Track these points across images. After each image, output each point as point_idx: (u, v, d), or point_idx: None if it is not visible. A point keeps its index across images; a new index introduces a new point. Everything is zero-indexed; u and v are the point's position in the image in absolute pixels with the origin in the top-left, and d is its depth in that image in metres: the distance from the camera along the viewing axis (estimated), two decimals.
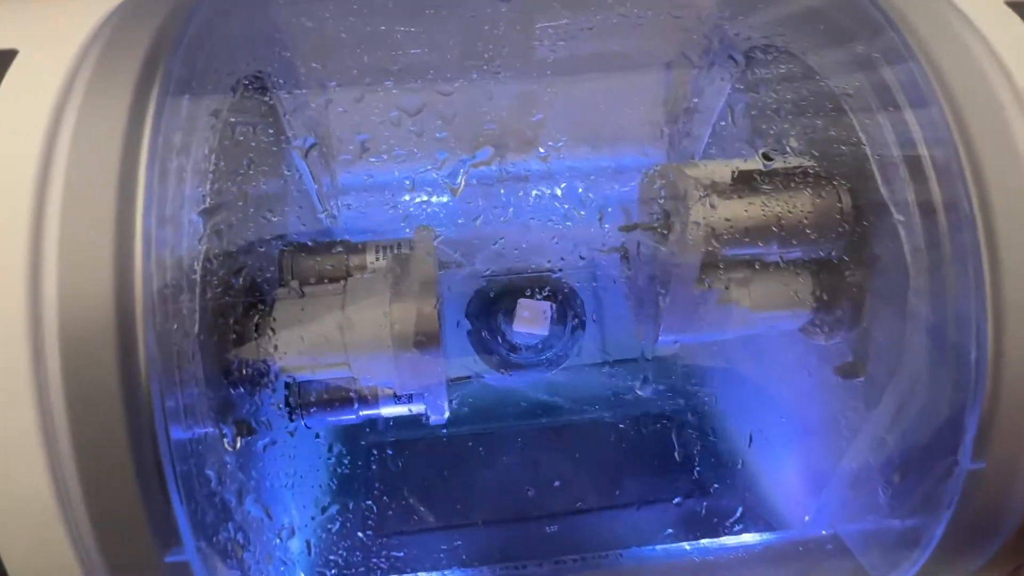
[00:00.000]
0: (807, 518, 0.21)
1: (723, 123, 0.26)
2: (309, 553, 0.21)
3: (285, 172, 0.22)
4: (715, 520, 0.22)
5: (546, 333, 0.23)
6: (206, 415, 0.14)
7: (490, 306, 0.26)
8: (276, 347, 0.18)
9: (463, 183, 0.23)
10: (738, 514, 0.22)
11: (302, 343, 0.18)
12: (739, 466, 0.25)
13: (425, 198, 0.25)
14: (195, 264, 0.13)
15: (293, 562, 0.20)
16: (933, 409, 0.16)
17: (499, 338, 0.25)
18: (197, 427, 0.13)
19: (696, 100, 0.27)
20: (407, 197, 0.25)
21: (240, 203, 0.17)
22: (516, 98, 0.27)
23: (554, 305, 0.23)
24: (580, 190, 0.26)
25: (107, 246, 0.11)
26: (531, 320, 0.23)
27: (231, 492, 0.16)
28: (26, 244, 0.11)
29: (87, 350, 0.11)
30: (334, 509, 0.25)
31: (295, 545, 0.20)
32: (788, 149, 0.20)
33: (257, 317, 0.18)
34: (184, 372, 0.13)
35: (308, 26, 0.23)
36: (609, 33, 0.26)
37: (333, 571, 0.21)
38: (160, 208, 0.12)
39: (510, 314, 0.25)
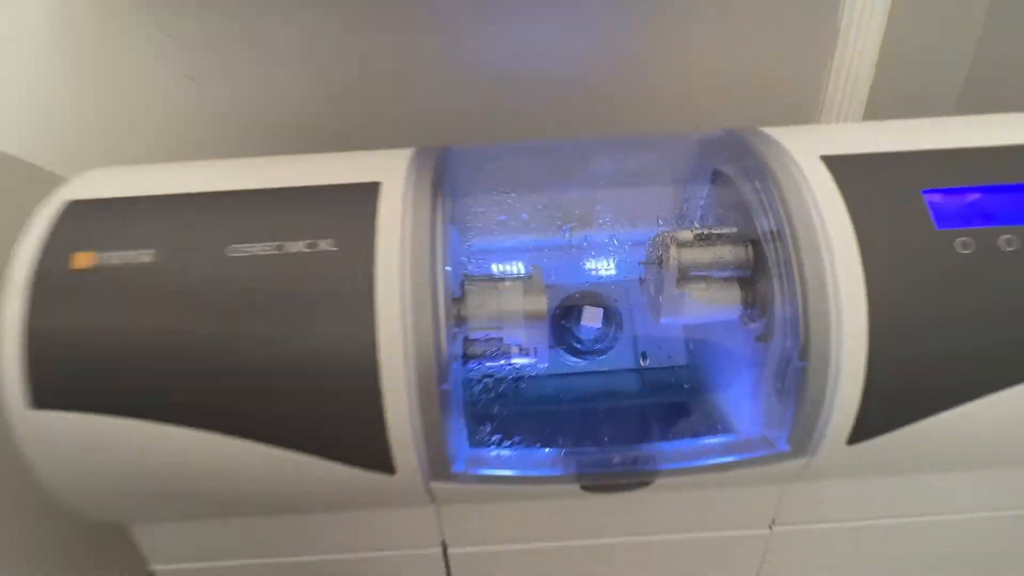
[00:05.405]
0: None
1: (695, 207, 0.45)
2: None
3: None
4: (702, 428, 0.39)
5: (599, 326, 0.41)
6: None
7: (565, 313, 0.44)
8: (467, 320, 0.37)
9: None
10: (716, 426, 0.39)
11: (482, 317, 0.37)
12: (722, 400, 0.41)
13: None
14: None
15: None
16: (786, 351, 0.33)
17: (569, 329, 0.43)
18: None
19: (687, 199, 0.45)
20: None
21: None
22: (583, 199, 0.46)
23: (604, 310, 0.41)
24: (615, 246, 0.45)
25: (429, 306, 0.30)
26: (593, 317, 0.41)
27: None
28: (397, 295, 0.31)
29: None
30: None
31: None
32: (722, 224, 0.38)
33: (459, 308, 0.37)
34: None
35: None
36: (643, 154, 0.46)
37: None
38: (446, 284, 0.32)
39: (578, 317, 0.43)
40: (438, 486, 0.35)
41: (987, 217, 0.32)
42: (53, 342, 0.31)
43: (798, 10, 0.63)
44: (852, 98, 0.70)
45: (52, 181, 0.39)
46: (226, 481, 0.33)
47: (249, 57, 0.64)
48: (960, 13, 0.65)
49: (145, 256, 0.32)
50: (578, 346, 0.44)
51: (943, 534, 0.41)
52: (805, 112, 0.68)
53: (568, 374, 0.45)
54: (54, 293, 0.31)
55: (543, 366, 0.39)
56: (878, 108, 0.69)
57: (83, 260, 0.32)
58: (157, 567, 0.40)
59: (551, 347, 0.44)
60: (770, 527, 0.40)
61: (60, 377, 0.31)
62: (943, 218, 0.32)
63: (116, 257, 0.32)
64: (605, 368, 0.45)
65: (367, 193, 0.34)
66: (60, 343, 0.31)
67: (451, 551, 0.40)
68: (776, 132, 0.37)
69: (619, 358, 0.45)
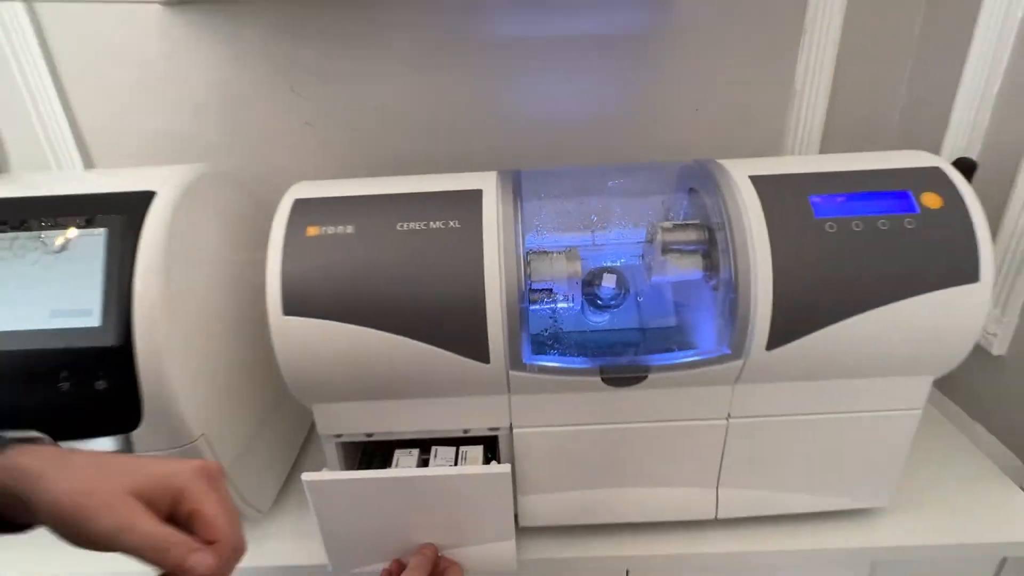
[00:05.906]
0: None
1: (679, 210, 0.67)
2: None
3: None
4: (685, 347, 0.60)
5: (614, 286, 0.63)
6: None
7: (592, 278, 0.66)
8: (530, 277, 0.59)
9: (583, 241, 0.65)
10: (687, 345, 0.60)
11: (541, 276, 0.59)
12: (692, 330, 0.63)
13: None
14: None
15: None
16: (728, 294, 0.55)
17: (594, 291, 0.65)
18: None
19: (670, 204, 0.68)
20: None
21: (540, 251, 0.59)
22: (602, 205, 0.69)
23: (617, 276, 0.63)
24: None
25: (514, 262, 0.52)
26: (610, 280, 0.63)
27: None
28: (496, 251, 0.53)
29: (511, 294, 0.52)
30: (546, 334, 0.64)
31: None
32: (691, 218, 0.60)
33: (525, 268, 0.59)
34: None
35: None
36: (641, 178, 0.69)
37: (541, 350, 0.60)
38: (523, 249, 0.54)
39: (600, 279, 0.64)
40: (514, 375, 0.56)
41: (845, 211, 0.54)
42: (297, 275, 0.54)
43: (762, 71, 0.87)
44: (810, 137, 0.93)
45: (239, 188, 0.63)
46: (386, 366, 0.55)
47: (356, 108, 0.89)
48: (891, 72, 0.89)
49: (349, 229, 0.55)
50: (599, 302, 0.66)
51: (848, 428, 0.61)
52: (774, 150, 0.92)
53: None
54: (297, 248, 0.55)
55: (577, 308, 0.61)
56: (831, 145, 0.92)
57: (313, 231, 0.55)
58: (323, 432, 0.62)
59: (581, 300, 0.66)
60: (727, 419, 0.61)
61: (299, 296, 0.54)
62: (820, 212, 0.54)
63: (331, 230, 0.55)
64: (617, 327, 0.67)
65: (475, 195, 0.57)
66: (300, 276, 0.54)
67: (515, 431, 0.62)
68: (725, 162, 0.60)
69: (627, 320, 0.67)
